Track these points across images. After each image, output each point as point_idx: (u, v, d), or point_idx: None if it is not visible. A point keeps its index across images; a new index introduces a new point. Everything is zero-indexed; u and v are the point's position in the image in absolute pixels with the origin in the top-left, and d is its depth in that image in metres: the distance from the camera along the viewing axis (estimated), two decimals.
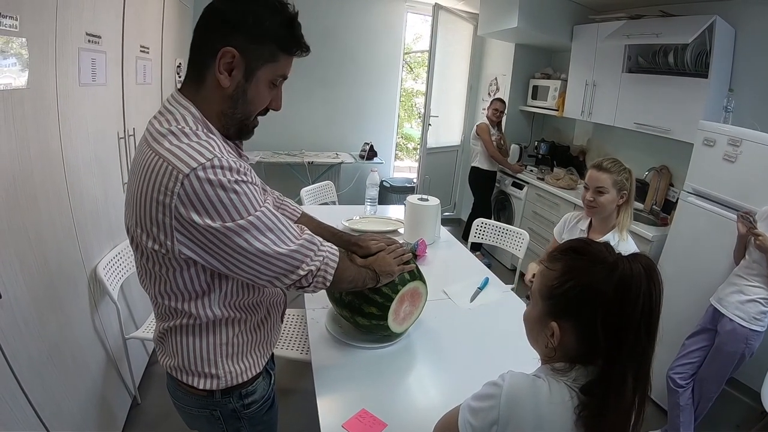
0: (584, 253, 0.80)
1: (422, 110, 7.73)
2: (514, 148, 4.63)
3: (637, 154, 3.57)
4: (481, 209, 4.42)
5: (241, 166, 0.85)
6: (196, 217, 0.81)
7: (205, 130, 0.89)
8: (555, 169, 4.17)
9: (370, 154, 4.82)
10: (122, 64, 2.11)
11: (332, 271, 1.01)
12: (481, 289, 1.93)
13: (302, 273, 0.95)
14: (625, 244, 1.86)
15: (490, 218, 4.40)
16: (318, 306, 1.63)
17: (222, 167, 0.81)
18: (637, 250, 1.83)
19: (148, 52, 2.47)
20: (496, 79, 4.95)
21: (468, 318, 1.72)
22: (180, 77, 3.26)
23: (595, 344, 0.75)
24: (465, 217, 4.97)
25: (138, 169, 0.86)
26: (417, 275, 1.42)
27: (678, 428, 2.27)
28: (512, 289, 2.15)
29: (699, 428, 2.32)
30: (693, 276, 2.45)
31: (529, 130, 4.96)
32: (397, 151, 5.96)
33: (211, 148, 0.84)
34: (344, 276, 1.10)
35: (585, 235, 2.01)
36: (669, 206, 3.25)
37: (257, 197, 0.88)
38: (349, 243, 1.39)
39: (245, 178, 0.85)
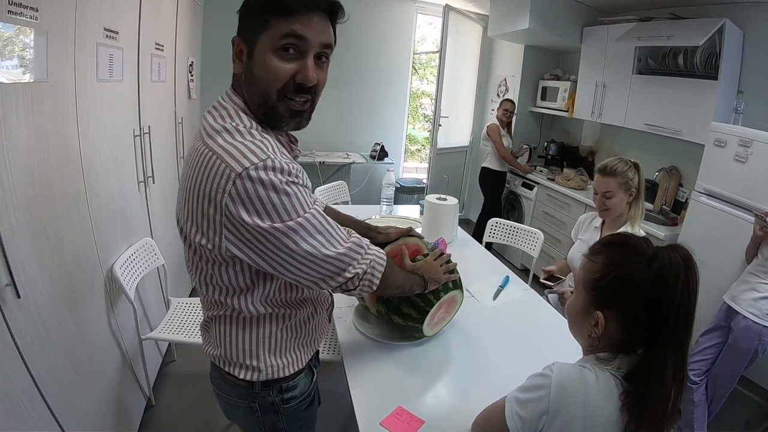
0: (624, 245, 0.84)
1: (427, 111, 7.92)
2: (523, 149, 4.64)
3: (646, 155, 3.59)
4: (491, 209, 4.44)
5: (293, 168, 0.85)
6: (245, 216, 0.81)
7: (258, 129, 0.88)
8: (565, 170, 4.20)
9: (381, 154, 4.85)
10: (138, 60, 2.10)
11: (379, 275, 1.02)
12: (502, 287, 1.97)
13: (348, 276, 0.95)
14: None
15: (500, 217, 4.43)
16: (344, 305, 1.64)
17: (274, 168, 0.81)
18: None
19: (162, 50, 2.46)
20: (505, 80, 4.96)
21: (493, 316, 1.74)
22: (192, 76, 3.25)
23: (637, 332, 0.79)
24: (474, 218, 4.99)
25: (192, 163, 0.86)
26: (459, 284, 1.44)
27: (692, 425, 2.30)
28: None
29: (710, 425, 2.37)
30: (705, 274, 2.32)
31: (538, 131, 4.99)
32: None
33: (265, 148, 0.83)
34: (391, 281, 1.09)
35: (599, 233, 2.08)
36: (678, 206, 3.29)
37: (307, 199, 0.87)
38: (369, 229, 1.43)
39: (297, 180, 0.85)
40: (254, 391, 1.05)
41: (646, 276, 0.78)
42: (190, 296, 3.06)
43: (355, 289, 0.99)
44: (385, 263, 1.03)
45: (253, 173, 0.79)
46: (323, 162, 4.46)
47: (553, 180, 4.08)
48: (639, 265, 0.79)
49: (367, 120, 5.14)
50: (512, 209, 4.66)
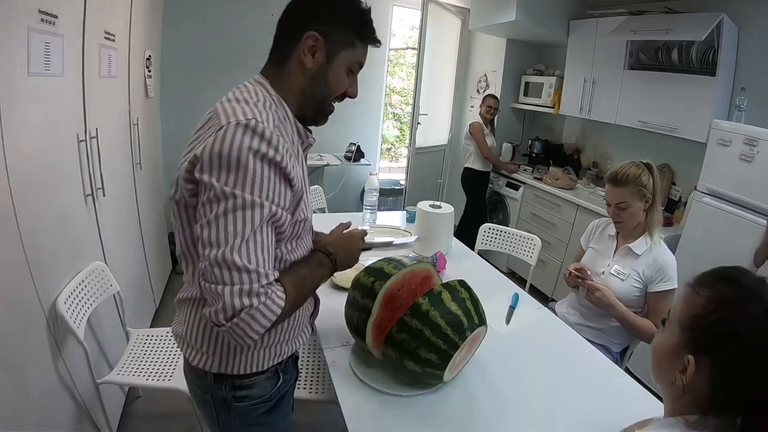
0: (738, 284, 0.72)
1: (397, 110, 7.71)
2: (506, 147, 4.50)
3: (634, 152, 3.47)
4: (474, 211, 4.28)
5: (280, 145, 0.83)
6: (206, 163, 0.80)
7: (273, 107, 0.92)
8: (551, 169, 4.05)
9: (357, 155, 4.57)
10: (83, 52, 1.76)
11: (255, 332, 0.83)
12: (513, 307, 1.77)
13: (224, 302, 0.79)
14: (658, 248, 1.78)
15: (485, 220, 4.31)
16: (336, 343, 1.40)
17: (255, 130, 0.80)
18: (671, 254, 1.75)
19: (114, 41, 2.13)
20: (485, 75, 4.79)
21: (510, 344, 1.54)
22: (150, 72, 2.91)
23: (736, 393, 0.67)
24: (456, 221, 4.75)
25: (199, 124, 0.91)
26: (483, 318, 1.23)
27: None
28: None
29: None
30: None
31: (520, 129, 4.84)
32: None
33: (258, 113, 0.84)
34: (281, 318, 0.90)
35: (614, 242, 1.92)
36: (672, 205, 3.20)
37: (274, 189, 0.83)
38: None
39: (276, 158, 0.82)
40: (207, 381, 1.01)
41: (758, 329, 0.66)
42: (151, 326, 2.74)
43: (223, 326, 0.81)
44: (274, 317, 0.84)
45: (233, 127, 0.80)
46: None
47: (540, 179, 3.92)
48: (752, 313, 0.67)
49: (341, 119, 4.73)
50: (495, 210, 4.49)
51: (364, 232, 1.21)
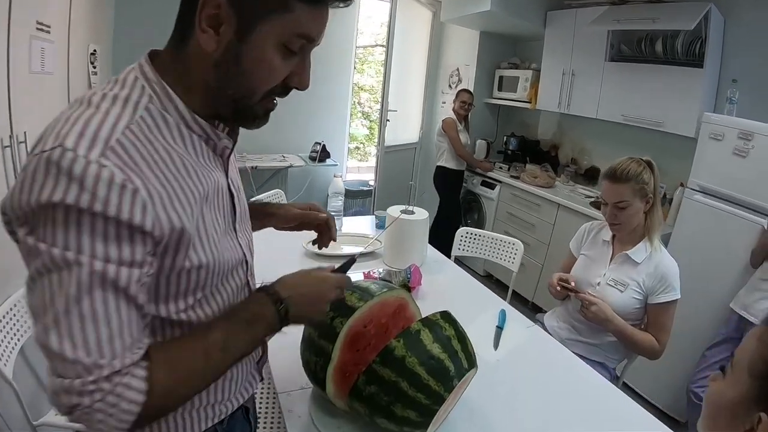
0: None
1: (365, 108, 7.48)
2: (480, 144, 4.31)
3: (616, 148, 3.35)
4: (448, 212, 4.09)
5: (120, 181, 0.54)
6: (8, 207, 0.57)
7: (146, 101, 0.63)
8: (528, 166, 3.89)
9: (323, 155, 4.30)
10: (8, 44, 1.52)
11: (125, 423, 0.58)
12: (501, 327, 1.55)
13: (50, 395, 0.57)
14: (659, 255, 1.60)
15: (460, 221, 4.16)
16: (294, 386, 1.14)
17: (60, 170, 0.53)
18: (674, 261, 1.59)
19: (49, 32, 1.86)
20: (457, 69, 4.61)
21: (500, 374, 1.30)
22: (95, 68, 2.60)
23: None
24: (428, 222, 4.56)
25: None
26: (473, 359, 0.99)
27: None
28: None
29: None
30: (705, 280, 2.28)
31: (495, 125, 4.68)
32: None
33: (89, 127, 0.56)
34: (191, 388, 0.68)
35: (610, 248, 1.74)
36: None
37: (102, 240, 0.54)
38: (264, 207, 1.10)
39: (95, 207, 0.53)
40: None
41: None
42: None
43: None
44: (129, 418, 0.58)
45: (34, 163, 0.54)
46: (256, 167, 3.86)
47: (517, 177, 3.75)
48: None
49: (306, 117, 4.52)
50: (470, 211, 4.31)
51: (343, 279, 0.86)
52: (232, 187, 0.79)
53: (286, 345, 1.07)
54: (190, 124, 0.67)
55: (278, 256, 1.58)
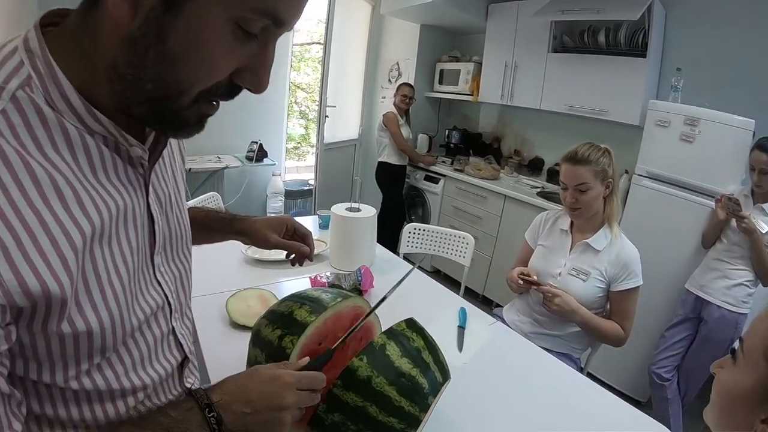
0: None
1: (303, 107, 7.24)
2: (422, 139, 4.23)
3: (559, 138, 3.38)
4: (391, 208, 3.97)
5: None
6: None
7: (41, 91, 0.44)
8: (472, 159, 3.84)
9: (260, 154, 4.05)
10: None
11: None
12: (462, 327, 1.43)
13: None
14: (619, 242, 1.56)
15: (404, 217, 4.03)
16: None
17: None
18: (634, 248, 1.55)
19: None
20: (397, 63, 4.50)
21: (468, 377, 1.17)
22: None
23: None
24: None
25: None
26: (447, 371, 0.86)
27: (668, 421, 2.20)
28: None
29: (686, 418, 2.29)
30: (659, 264, 2.29)
31: (436, 118, 4.61)
32: None
33: None
34: None
35: (568, 237, 1.67)
36: None
37: None
38: (228, 220, 1.00)
39: None
40: None
41: None
42: None
43: None
44: None
45: None
46: (190, 169, 3.53)
47: (461, 171, 3.68)
48: None
49: (241, 116, 4.21)
50: (414, 206, 4.21)
51: (313, 379, 0.66)
52: (153, 208, 0.59)
53: (227, 369, 0.85)
54: (86, 122, 0.46)
55: (211, 260, 1.38)
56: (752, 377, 0.57)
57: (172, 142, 0.69)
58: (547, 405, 1.12)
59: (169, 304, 0.64)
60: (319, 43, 5.44)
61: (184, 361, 0.70)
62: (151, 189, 0.58)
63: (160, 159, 0.62)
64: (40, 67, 0.44)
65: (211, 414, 0.55)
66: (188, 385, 0.72)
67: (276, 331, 0.81)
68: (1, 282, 0.38)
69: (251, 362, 0.87)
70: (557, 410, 1.11)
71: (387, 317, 0.89)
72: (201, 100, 0.48)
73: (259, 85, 0.50)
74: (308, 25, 6.33)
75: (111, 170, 0.50)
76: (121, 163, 0.52)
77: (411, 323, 0.86)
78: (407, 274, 0.91)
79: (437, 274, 3.82)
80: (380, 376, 0.74)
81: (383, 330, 0.84)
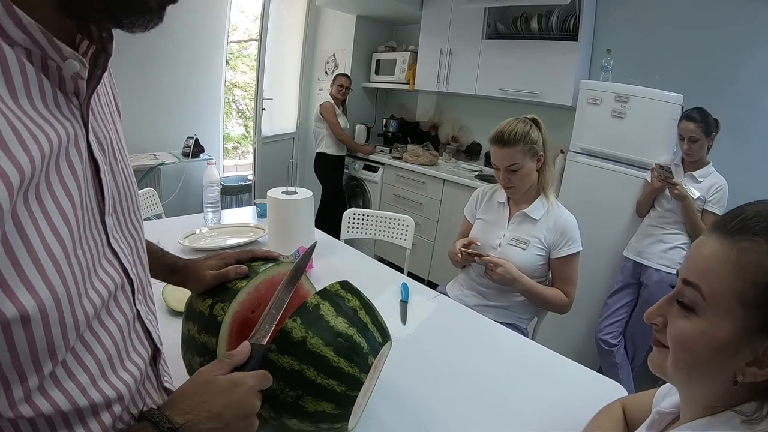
0: None
1: (241, 106, 7.00)
2: (360, 129, 4.17)
3: (495, 123, 3.30)
4: (331, 199, 3.90)
5: None
6: None
7: None
8: (410, 146, 3.83)
9: (196, 149, 3.85)
10: None
11: None
12: (405, 301, 1.40)
13: None
14: (556, 210, 1.57)
15: (344, 207, 3.89)
16: None
17: None
18: (571, 215, 1.56)
19: None
20: (334, 55, 4.44)
21: (415, 347, 1.17)
22: None
23: None
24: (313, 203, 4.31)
25: None
26: (387, 332, 0.83)
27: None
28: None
29: (636, 381, 2.35)
30: (597, 235, 2.37)
31: (373, 108, 4.57)
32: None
33: None
34: None
35: (506, 209, 1.66)
36: None
37: None
38: (175, 271, 0.83)
39: None
40: None
41: None
42: None
43: None
44: None
45: None
46: None
47: (399, 158, 3.66)
48: None
49: (175, 111, 4.01)
50: (355, 196, 4.15)
51: (263, 379, 0.58)
52: (95, 149, 0.45)
53: (171, 361, 0.73)
54: (2, 24, 0.33)
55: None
56: (727, 325, 0.53)
57: (105, 79, 0.54)
58: (498, 371, 1.09)
59: (131, 281, 0.51)
60: (256, 40, 5.25)
61: (155, 355, 0.58)
62: (90, 129, 0.44)
63: (95, 96, 0.46)
64: None
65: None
66: (166, 386, 0.61)
67: (207, 300, 0.78)
68: None
69: (184, 338, 0.81)
70: (509, 375, 1.08)
71: None
72: None
73: None
74: (246, 23, 6.13)
75: (37, 96, 0.37)
76: (50, 86, 0.38)
77: (345, 284, 0.82)
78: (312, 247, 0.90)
79: (382, 262, 3.76)
80: (315, 337, 0.70)
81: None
